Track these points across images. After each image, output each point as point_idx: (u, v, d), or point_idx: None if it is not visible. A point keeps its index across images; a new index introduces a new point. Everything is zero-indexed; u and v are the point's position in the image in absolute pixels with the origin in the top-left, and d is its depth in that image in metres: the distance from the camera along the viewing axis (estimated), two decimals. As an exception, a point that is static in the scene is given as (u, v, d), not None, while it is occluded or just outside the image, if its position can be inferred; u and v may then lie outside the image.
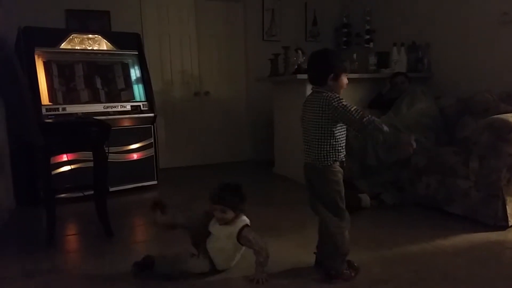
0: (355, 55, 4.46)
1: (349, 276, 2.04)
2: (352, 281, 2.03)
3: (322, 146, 1.98)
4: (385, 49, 4.52)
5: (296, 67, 4.04)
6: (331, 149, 1.99)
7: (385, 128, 1.95)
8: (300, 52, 4.07)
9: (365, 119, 1.90)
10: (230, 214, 2.04)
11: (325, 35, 5.72)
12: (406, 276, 2.09)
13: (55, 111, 3.60)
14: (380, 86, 4.14)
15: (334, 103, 1.93)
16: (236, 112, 5.50)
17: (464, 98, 3.58)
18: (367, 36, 5.08)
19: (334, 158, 2.00)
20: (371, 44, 5.03)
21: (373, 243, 2.55)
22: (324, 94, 1.98)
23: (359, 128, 1.94)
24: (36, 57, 3.66)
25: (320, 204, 2.06)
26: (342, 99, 1.96)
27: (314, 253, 2.22)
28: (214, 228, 2.11)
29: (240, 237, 2.03)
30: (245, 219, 2.09)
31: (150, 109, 4.11)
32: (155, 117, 4.11)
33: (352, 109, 1.92)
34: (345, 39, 5.52)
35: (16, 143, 3.71)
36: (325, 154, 1.99)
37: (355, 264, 2.12)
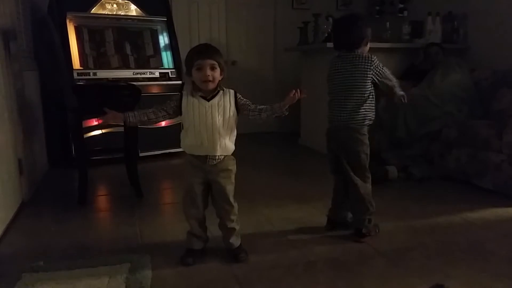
0: (388, 24, 4.33)
1: (375, 233, 2.17)
2: (377, 248, 2.04)
3: (363, 107, 2.05)
4: (419, 18, 4.36)
5: (326, 35, 3.95)
6: (369, 110, 2.07)
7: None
8: (331, 19, 3.97)
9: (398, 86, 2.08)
10: (217, 74, 1.75)
11: (357, 3, 5.55)
12: (432, 245, 2.08)
13: (86, 75, 3.66)
14: (413, 57, 4.02)
15: (375, 63, 2.04)
16: (263, 82, 5.45)
17: (502, 71, 3.44)
18: (401, 5, 4.90)
19: (370, 118, 2.08)
20: (405, 13, 4.85)
21: (400, 213, 2.54)
22: (365, 55, 2.06)
23: (392, 92, 2.08)
24: (67, 21, 3.70)
25: (349, 166, 2.09)
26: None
27: (327, 215, 2.28)
28: (199, 101, 1.77)
29: (239, 99, 1.82)
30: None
31: (178, 77, 4.13)
32: (183, 84, 4.13)
33: (389, 72, 2.08)
34: (378, 7, 5.33)
35: (49, 106, 3.81)
36: (364, 115, 2.06)
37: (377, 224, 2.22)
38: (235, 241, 1.94)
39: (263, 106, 1.84)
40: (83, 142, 2.88)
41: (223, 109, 1.78)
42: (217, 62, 1.74)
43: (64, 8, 3.67)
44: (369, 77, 2.03)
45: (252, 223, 2.33)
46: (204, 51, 1.76)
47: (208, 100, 1.77)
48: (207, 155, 1.81)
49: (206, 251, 1.97)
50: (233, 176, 1.89)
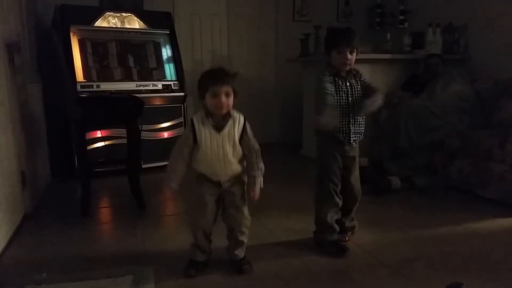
0: (388, 35, 4.36)
1: (331, 251, 2.12)
2: (380, 258, 2.03)
3: None
4: (420, 29, 4.39)
5: (327, 47, 3.97)
6: None
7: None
8: (331, 32, 4.00)
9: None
10: (231, 101, 1.75)
11: (358, 15, 5.60)
12: (435, 255, 2.07)
13: (90, 88, 3.69)
14: (414, 68, 4.04)
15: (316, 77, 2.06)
16: (265, 93, 5.48)
17: (503, 80, 3.46)
18: (401, 17, 4.94)
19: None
20: (405, 25, 4.89)
21: (403, 223, 2.53)
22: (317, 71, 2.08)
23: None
24: (71, 34, 3.74)
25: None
26: (323, 77, 2.02)
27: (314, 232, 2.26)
28: (210, 132, 1.76)
29: (245, 132, 1.81)
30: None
31: (181, 89, 4.15)
32: (185, 96, 4.15)
33: (317, 93, 2.02)
34: (378, 19, 5.38)
35: (53, 118, 3.83)
36: None
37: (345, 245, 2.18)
38: (240, 252, 1.93)
39: (253, 162, 1.82)
40: (86, 154, 2.90)
41: (233, 139, 1.79)
42: (231, 88, 1.74)
43: (68, 21, 3.71)
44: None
45: (254, 233, 2.31)
46: (220, 77, 1.74)
47: (219, 131, 1.77)
48: (219, 180, 1.83)
49: (208, 262, 1.96)
50: (245, 195, 1.89)
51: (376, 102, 1.97)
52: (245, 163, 1.86)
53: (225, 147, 1.77)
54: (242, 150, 1.82)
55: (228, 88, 1.73)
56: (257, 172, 1.82)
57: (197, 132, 1.78)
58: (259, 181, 1.83)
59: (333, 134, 2.05)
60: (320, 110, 1.95)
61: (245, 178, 1.88)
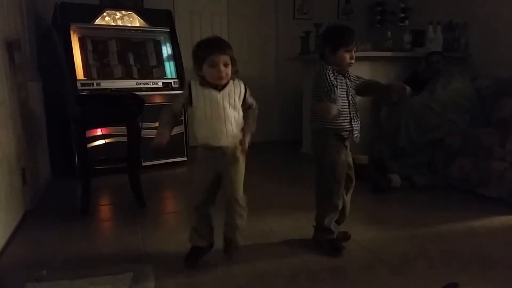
0: (389, 33, 4.36)
1: (325, 250, 2.11)
2: (380, 256, 2.03)
3: (312, 113, 2.06)
4: (420, 28, 4.39)
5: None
6: (314, 118, 2.06)
7: None
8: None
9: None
10: (229, 70, 1.72)
11: (358, 13, 5.59)
12: (435, 253, 2.07)
13: (90, 86, 3.68)
14: (415, 65, 4.03)
15: (317, 72, 1.99)
16: (265, 91, 5.45)
17: (503, 79, 3.45)
18: (402, 15, 4.93)
19: (316, 126, 2.06)
20: (406, 22, 4.88)
21: (403, 221, 2.53)
22: (320, 66, 2.01)
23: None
24: (71, 32, 3.74)
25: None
26: (325, 71, 1.96)
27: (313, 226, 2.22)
28: (210, 92, 1.74)
29: (246, 96, 1.81)
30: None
31: (181, 87, 4.14)
32: (185, 94, 4.15)
33: (321, 86, 1.95)
34: (379, 17, 5.37)
35: (53, 117, 3.83)
36: (312, 121, 2.07)
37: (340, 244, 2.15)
38: (232, 235, 1.90)
39: (250, 118, 1.85)
40: (86, 152, 2.89)
41: (234, 101, 1.76)
42: (230, 57, 1.70)
43: (68, 19, 3.71)
44: (313, 87, 2.02)
45: (254, 231, 2.32)
46: (217, 46, 1.69)
47: (219, 91, 1.74)
48: (220, 146, 1.79)
49: (209, 251, 1.97)
50: (242, 165, 1.86)
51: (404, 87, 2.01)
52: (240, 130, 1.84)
53: (226, 106, 1.74)
54: (243, 111, 1.82)
55: (227, 57, 1.68)
56: (249, 127, 1.83)
57: (194, 93, 1.75)
58: (249, 135, 1.83)
59: (337, 133, 2.04)
60: (330, 98, 1.92)
61: (241, 156, 1.85)
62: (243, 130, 1.83)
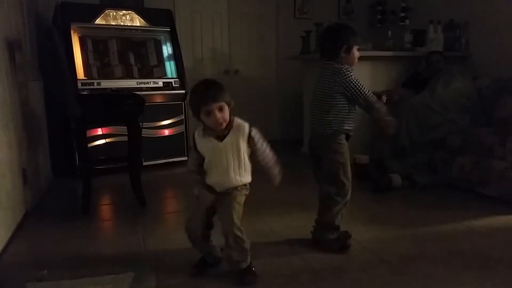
0: (390, 33, 4.35)
1: (334, 248, 2.09)
2: (381, 256, 2.03)
3: (327, 116, 2.02)
4: (421, 27, 4.38)
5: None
6: (336, 120, 2.02)
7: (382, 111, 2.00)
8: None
9: (371, 100, 1.98)
10: (227, 113, 1.70)
11: (359, 13, 5.59)
12: (436, 253, 2.07)
13: (90, 85, 3.69)
14: (416, 65, 4.03)
15: (344, 76, 1.97)
16: (266, 91, 5.47)
17: (504, 78, 3.45)
18: (402, 14, 4.93)
19: (337, 129, 2.03)
20: (407, 22, 4.88)
21: (404, 221, 2.53)
22: (336, 65, 2.01)
23: (364, 105, 2.00)
24: (72, 32, 3.74)
25: (321, 174, 2.12)
26: (351, 72, 1.99)
27: (311, 232, 2.20)
28: (212, 143, 1.74)
29: (251, 136, 1.76)
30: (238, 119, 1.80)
31: (181, 86, 4.15)
32: (186, 94, 4.15)
33: (362, 85, 1.98)
34: (379, 16, 5.37)
35: (53, 115, 3.84)
36: (328, 124, 2.03)
37: (348, 242, 2.15)
38: (235, 265, 1.80)
39: (267, 155, 1.84)
40: (86, 152, 2.90)
41: (236, 149, 1.75)
42: (224, 101, 1.68)
43: (68, 19, 3.71)
44: (336, 88, 1.98)
45: (255, 231, 2.32)
46: (209, 94, 1.67)
47: (221, 140, 1.74)
48: (222, 192, 1.79)
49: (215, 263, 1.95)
50: (241, 198, 1.81)
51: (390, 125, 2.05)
52: (248, 177, 1.83)
53: (228, 156, 1.74)
54: (256, 157, 1.81)
55: (220, 103, 1.67)
56: (272, 165, 1.85)
57: (198, 146, 1.78)
58: (275, 169, 1.86)
59: (348, 133, 2.07)
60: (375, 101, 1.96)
61: (243, 190, 1.83)
62: (266, 167, 1.84)
